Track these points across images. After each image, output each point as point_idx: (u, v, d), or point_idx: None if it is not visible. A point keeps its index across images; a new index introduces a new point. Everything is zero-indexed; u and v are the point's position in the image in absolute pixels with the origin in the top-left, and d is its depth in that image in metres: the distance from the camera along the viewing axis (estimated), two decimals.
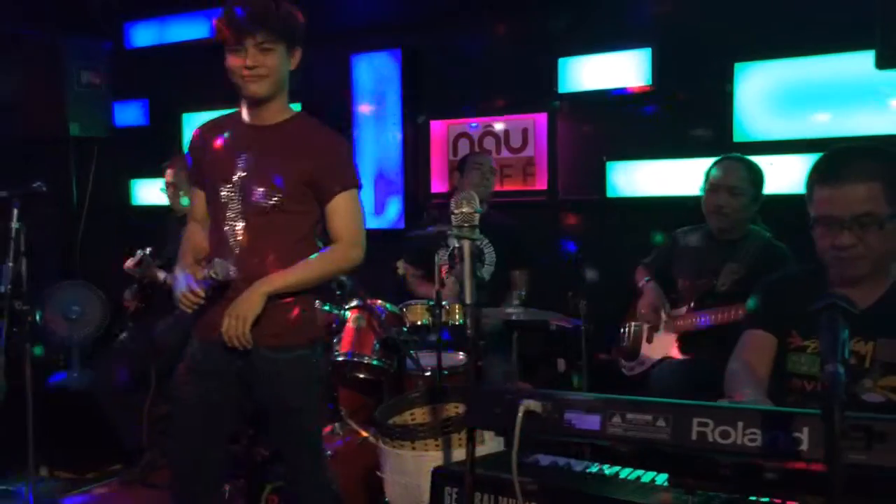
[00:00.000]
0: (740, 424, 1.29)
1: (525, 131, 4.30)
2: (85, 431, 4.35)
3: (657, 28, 3.88)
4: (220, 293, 2.26)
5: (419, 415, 2.59)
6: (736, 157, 3.17)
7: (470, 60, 4.41)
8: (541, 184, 4.27)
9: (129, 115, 5.59)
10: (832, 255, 1.78)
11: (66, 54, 5.10)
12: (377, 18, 4.62)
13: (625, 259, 3.75)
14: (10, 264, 3.62)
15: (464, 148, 4.43)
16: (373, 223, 4.68)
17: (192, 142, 2.44)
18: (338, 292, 3.37)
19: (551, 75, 4.10)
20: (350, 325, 3.24)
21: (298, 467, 2.34)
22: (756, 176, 3.11)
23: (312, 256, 2.31)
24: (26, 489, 3.69)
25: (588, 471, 1.66)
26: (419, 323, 3.30)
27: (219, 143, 2.35)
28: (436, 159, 4.53)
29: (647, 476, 1.61)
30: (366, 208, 4.62)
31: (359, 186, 2.34)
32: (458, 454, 2.13)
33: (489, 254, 3.75)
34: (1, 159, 6.10)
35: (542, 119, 4.24)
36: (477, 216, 1.60)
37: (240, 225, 2.27)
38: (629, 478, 1.61)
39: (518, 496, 1.44)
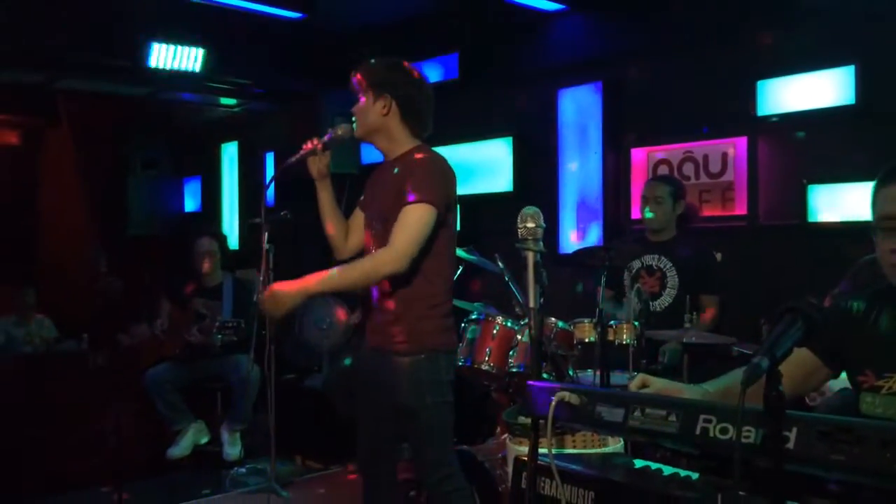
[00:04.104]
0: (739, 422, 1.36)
1: (724, 156, 4.25)
2: (333, 427, 5.03)
3: (861, 44, 3.67)
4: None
5: None
6: None
7: (669, 88, 4.47)
8: (740, 208, 4.19)
9: (375, 153, 6.35)
10: (888, 262, 1.65)
11: (324, 103, 5.98)
12: (580, 54, 4.85)
13: (827, 287, 3.57)
14: (261, 277, 4.41)
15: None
16: (574, 248, 4.87)
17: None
18: (516, 309, 3.64)
19: (751, 98, 4.04)
20: (523, 339, 3.48)
21: (423, 461, 2.64)
22: None
23: (348, 266, 2.57)
24: (269, 468, 4.43)
25: (653, 470, 1.76)
26: (587, 340, 3.45)
27: (371, 180, 2.83)
28: (636, 186, 4.62)
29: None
30: (567, 233, 4.90)
31: (432, 204, 2.51)
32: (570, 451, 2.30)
33: (671, 277, 3.78)
34: (278, 192, 7.28)
35: (741, 143, 4.17)
36: (541, 231, 1.80)
37: (372, 244, 2.68)
38: (680, 476, 1.69)
39: (555, 478, 1.61)
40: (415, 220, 2.51)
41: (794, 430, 1.30)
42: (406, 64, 2.75)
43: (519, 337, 3.54)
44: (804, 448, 1.27)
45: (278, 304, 2.47)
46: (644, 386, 1.73)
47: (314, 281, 2.50)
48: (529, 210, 1.83)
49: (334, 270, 2.54)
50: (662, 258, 3.86)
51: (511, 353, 3.55)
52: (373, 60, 2.73)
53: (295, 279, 2.50)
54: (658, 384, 1.72)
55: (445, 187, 2.60)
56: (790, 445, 1.29)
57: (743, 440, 1.35)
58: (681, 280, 3.78)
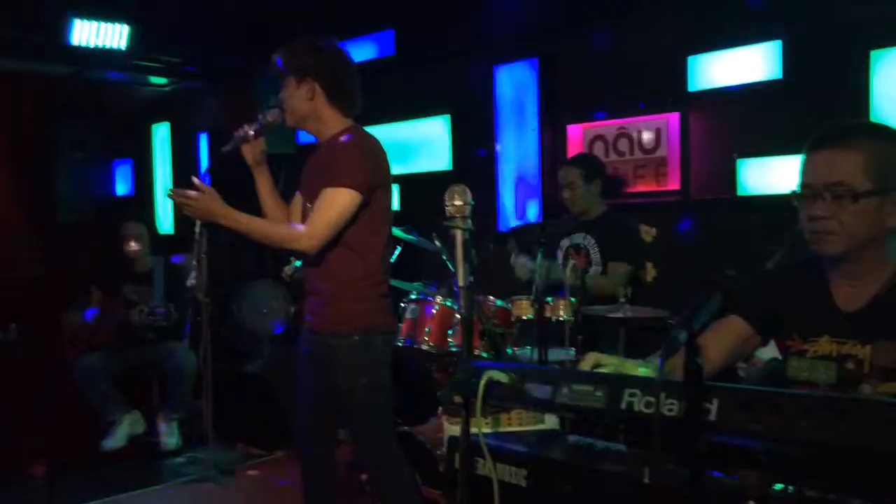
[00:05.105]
0: (662, 395, 1.36)
1: (658, 131, 4.29)
2: (275, 412, 4.96)
3: (788, 19, 3.73)
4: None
5: None
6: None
7: (603, 65, 4.49)
8: (673, 184, 4.24)
9: None
10: (807, 229, 1.68)
11: (258, 80, 5.83)
12: (516, 30, 4.83)
13: (758, 260, 3.64)
14: (195, 262, 4.30)
15: (599, 150, 4.51)
16: (513, 224, 4.89)
17: None
18: (455, 289, 3.63)
19: (682, 74, 4.08)
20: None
21: (363, 443, 2.65)
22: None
23: (269, 223, 2.62)
24: (206, 457, 4.37)
25: (586, 445, 1.77)
26: (524, 317, 3.46)
27: (307, 164, 2.78)
28: None
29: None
30: (506, 210, 4.90)
31: (353, 188, 2.48)
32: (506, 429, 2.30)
33: (595, 254, 3.80)
34: (213, 175, 7.11)
35: (674, 119, 4.22)
36: (468, 208, 1.78)
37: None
38: (612, 450, 1.70)
39: (486, 456, 1.61)
40: (332, 203, 2.49)
41: (716, 401, 1.30)
42: (325, 43, 2.68)
43: (458, 316, 3.53)
44: (725, 418, 1.28)
45: (193, 210, 2.52)
46: (598, 365, 1.71)
47: (233, 215, 2.51)
48: (456, 187, 1.81)
49: (256, 220, 2.57)
50: (587, 236, 3.88)
51: (450, 332, 3.54)
52: (291, 43, 2.65)
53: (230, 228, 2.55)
54: (612, 362, 1.71)
55: (370, 170, 2.56)
56: (712, 417, 1.30)
57: (666, 412, 1.36)
58: (602, 257, 3.81)
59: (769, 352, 3.21)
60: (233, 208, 2.52)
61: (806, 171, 1.71)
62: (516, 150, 4.86)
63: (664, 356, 1.14)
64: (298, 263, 4.31)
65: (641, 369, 1.68)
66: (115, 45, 5.43)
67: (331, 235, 2.50)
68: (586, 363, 1.70)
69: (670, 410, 1.35)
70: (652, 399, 1.38)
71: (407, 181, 5.08)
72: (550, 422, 2.53)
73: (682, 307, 1.19)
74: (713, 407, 1.30)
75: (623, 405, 1.41)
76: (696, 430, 1.13)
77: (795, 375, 1.73)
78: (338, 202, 2.49)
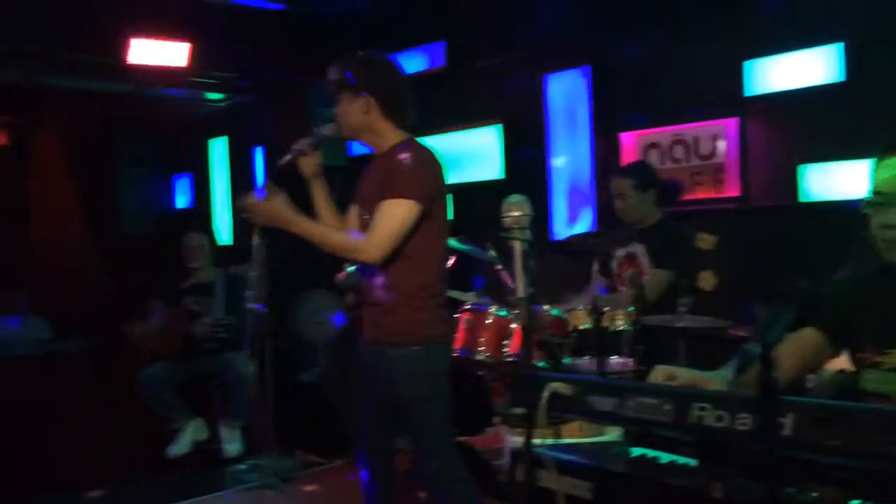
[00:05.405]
0: (735, 409, 1.34)
1: (715, 137, 4.22)
2: (333, 421, 5.01)
3: (849, 21, 3.64)
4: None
5: None
6: None
7: (657, 71, 4.43)
8: (731, 190, 4.17)
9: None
10: (879, 237, 1.64)
11: (312, 94, 5.92)
12: (567, 38, 4.81)
13: (822, 268, 3.55)
14: (254, 274, 4.37)
15: (654, 157, 4.45)
16: (566, 234, 4.86)
17: None
18: (508, 297, 3.62)
19: (738, 79, 4.01)
20: (517, 328, 3.46)
21: (420, 452, 2.67)
22: None
23: (333, 231, 2.67)
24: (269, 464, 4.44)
25: (651, 458, 1.74)
26: (581, 327, 3.43)
27: (363, 175, 2.81)
28: None
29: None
30: (559, 219, 4.88)
31: (414, 199, 2.51)
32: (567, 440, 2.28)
33: (647, 264, 3.75)
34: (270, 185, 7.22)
35: (732, 124, 4.14)
36: (527, 219, 1.78)
37: None
38: (678, 463, 1.67)
39: (549, 467, 1.60)
40: (393, 215, 2.53)
41: (791, 416, 1.28)
42: (378, 56, 2.73)
43: (512, 326, 3.52)
44: (800, 434, 1.26)
45: (262, 216, 2.61)
46: (670, 378, 1.68)
47: (301, 222, 2.59)
48: (514, 198, 1.82)
49: (321, 227, 2.66)
50: (641, 245, 3.82)
51: (505, 341, 3.53)
52: (344, 58, 2.70)
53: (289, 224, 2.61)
54: (685, 375, 1.67)
55: (430, 181, 2.60)
56: (787, 432, 1.28)
57: (739, 427, 1.34)
58: (655, 266, 3.75)
59: (837, 362, 3.12)
60: (297, 217, 2.60)
61: (876, 177, 1.67)
62: (569, 159, 4.84)
63: (740, 370, 1.13)
64: (352, 269, 4.37)
65: (714, 382, 1.63)
66: (173, 63, 5.58)
67: (393, 246, 2.54)
68: (657, 376, 1.66)
69: (743, 425, 1.33)
70: (723, 413, 1.36)
71: (460, 191, 5.09)
72: (611, 432, 2.52)
73: (756, 319, 1.17)
74: (788, 422, 1.28)
75: (693, 419, 1.40)
76: (771, 446, 1.10)
77: (871, 388, 1.68)
78: (398, 213, 2.53)
